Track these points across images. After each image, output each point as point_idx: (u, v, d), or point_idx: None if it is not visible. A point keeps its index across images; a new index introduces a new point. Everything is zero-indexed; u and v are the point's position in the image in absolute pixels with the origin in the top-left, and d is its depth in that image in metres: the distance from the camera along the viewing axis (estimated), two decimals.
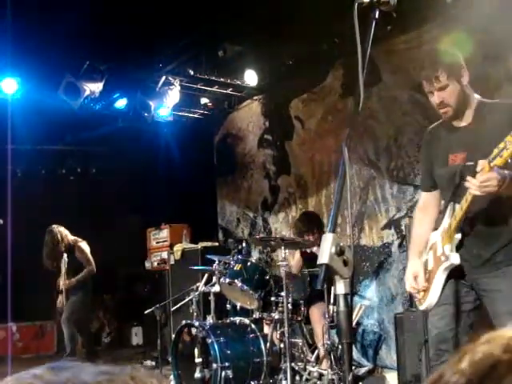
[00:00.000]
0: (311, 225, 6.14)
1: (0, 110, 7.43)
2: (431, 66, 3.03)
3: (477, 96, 3.10)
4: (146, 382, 0.81)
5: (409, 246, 3.44)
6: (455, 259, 2.97)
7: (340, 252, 1.78)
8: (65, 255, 7.25)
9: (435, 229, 3.21)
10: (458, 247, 3.00)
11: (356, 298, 6.52)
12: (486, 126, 2.98)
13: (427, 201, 3.39)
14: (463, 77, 3.04)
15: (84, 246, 7.49)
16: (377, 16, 2.03)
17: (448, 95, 3.01)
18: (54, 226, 7.41)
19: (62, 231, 7.41)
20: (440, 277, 3.02)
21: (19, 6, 5.54)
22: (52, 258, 7.43)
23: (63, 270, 7.21)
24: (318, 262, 1.77)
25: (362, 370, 6.35)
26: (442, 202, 3.28)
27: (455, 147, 3.09)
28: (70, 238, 7.43)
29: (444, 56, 3.10)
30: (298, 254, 6.16)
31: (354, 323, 5.94)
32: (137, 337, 9.99)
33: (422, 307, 3.18)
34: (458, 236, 3.00)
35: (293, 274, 5.90)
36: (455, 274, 3.05)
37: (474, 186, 2.71)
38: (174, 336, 5.65)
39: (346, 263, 1.81)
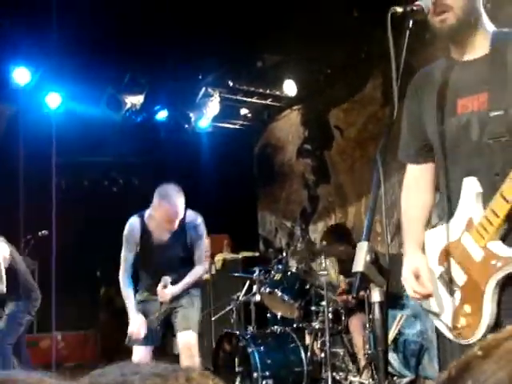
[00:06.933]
0: (339, 237, 6.15)
1: (45, 124, 7.62)
2: None
3: (491, 25, 2.22)
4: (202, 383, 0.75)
5: (404, 236, 2.44)
6: None
7: (375, 260, 1.79)
8: None
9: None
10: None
11: (397, 309, 6.45)
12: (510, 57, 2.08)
13: (418, 176, 2.40)
14: None
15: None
16: (410, 26, 2.03)
17: None
18: None
19: None
20: (490, 292, 2.03)
21: (61, 23, 5.68)
22: None
23: None
24: (352, 270, 1.78)
25: (404, 381, 6.28)
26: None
27: (467, 88, 2.17)
28: None
29: None
30: None
31: (394, 333, 5.87)
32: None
33: (466, 340, 2.23)
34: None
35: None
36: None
37: None
38: (214, 345, 5.69)
39: (381, 271, 1.82)
